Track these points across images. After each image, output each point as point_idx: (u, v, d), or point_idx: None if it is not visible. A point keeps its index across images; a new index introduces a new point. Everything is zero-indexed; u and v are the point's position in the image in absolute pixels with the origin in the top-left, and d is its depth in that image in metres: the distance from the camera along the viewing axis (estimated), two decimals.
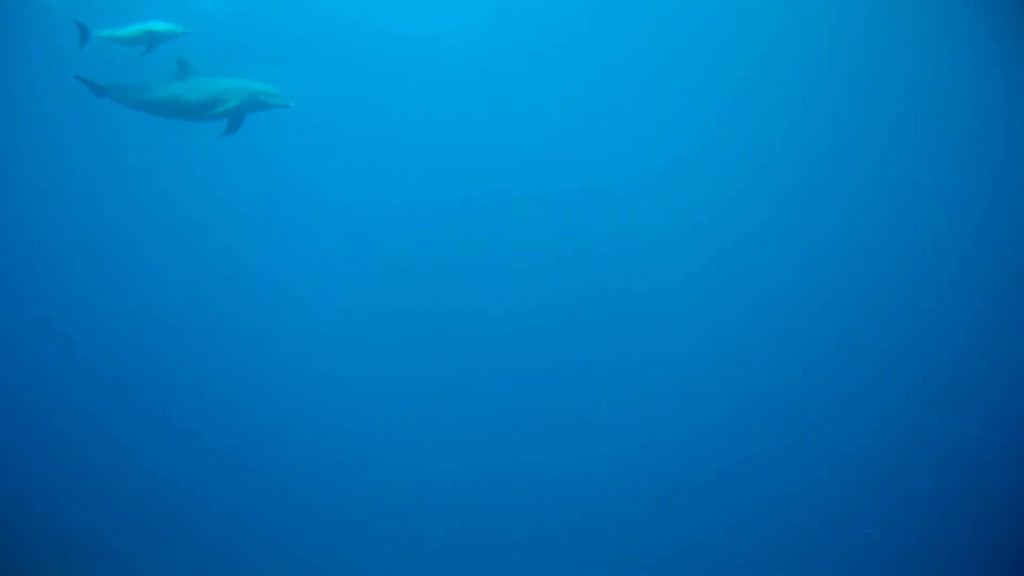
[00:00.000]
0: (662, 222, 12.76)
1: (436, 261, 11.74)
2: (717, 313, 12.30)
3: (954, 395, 10.77)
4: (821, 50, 11.57)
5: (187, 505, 10.33)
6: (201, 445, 10.60)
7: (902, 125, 11.87)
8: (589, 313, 12.48)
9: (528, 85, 11.95)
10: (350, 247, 11.48)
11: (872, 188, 12.12)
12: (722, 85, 11.95)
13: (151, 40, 7.94)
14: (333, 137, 11.21)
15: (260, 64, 10.14)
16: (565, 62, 11.98)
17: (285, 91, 7.86)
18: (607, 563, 10.13)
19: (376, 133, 11.35)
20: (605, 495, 10.46)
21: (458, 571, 10.11)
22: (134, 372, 10.93)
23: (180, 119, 8.09)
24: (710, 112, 12.25)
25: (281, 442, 10.91)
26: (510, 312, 12.12)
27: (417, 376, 11.63)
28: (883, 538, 10.08)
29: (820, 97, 12.04)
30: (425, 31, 11.74)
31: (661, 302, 12.28)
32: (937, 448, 10.40)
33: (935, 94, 11.56)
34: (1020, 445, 10.18)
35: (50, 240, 11.13)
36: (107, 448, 10.56)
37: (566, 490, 10.57)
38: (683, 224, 12.76)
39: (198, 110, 7.87)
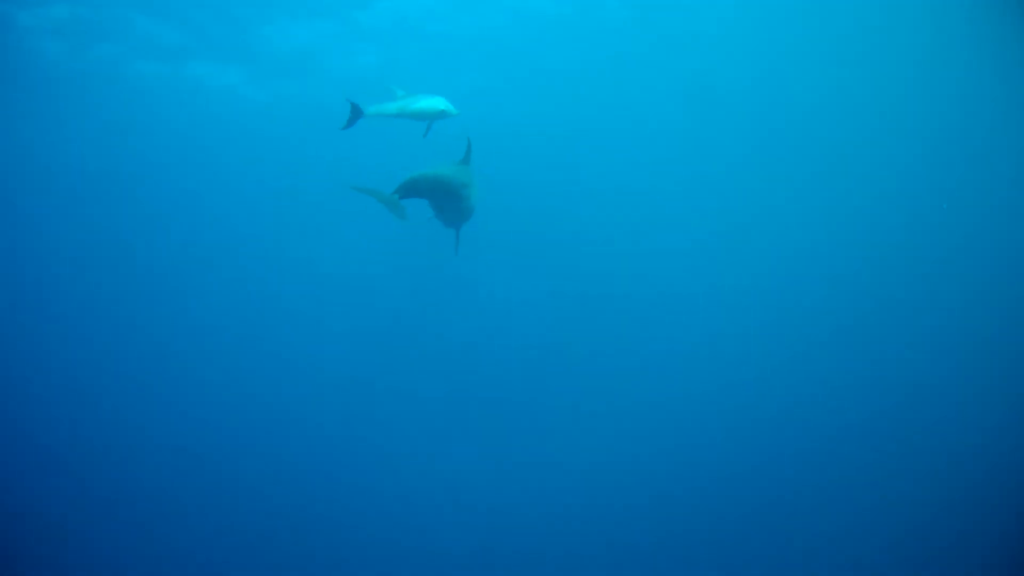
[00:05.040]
0: (667, 230, 12.79)
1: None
2: (717, 320, 12.33)
3: (953, 396, 10.84)
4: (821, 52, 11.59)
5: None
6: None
7: (901, 127, 11.92)
8: (595, 317, 12.47)
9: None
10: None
11: (871, 190, 12.16)
12: (722, 87, 11.97)
13: (432, 118, 6.73)
14: None
15: None
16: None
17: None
18: (608, 564, 10.14)
19: None
20: (607, 496, 10.47)
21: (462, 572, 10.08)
22: None
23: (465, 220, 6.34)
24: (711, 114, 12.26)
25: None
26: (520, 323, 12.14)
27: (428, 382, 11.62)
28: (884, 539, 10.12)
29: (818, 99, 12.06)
30: None
31: (667, 310, 12.30)
32: (935, 448, 10.47)
33: (933, 95, 11.61)
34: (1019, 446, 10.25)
35: None
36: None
37: (571, 492, 10.59)
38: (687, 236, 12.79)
39: None
